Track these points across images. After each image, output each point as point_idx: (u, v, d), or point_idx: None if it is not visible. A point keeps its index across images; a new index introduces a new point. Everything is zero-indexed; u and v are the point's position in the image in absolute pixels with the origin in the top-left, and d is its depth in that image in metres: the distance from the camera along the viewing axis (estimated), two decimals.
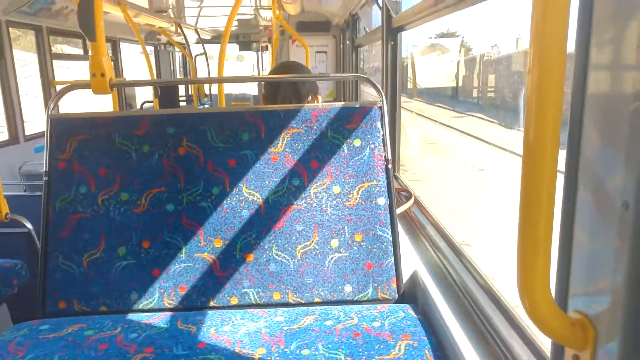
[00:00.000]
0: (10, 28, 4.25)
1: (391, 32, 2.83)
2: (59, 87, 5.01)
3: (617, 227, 0.65)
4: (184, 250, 1.53)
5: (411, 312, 1.40)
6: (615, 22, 0.68)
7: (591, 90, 0.73)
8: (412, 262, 1.66)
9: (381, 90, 1.62)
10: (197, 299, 1.52)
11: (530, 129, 0.68)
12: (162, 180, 1.56)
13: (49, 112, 1.59)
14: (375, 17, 3.94)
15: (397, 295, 1.52)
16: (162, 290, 1.52)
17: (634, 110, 0.62)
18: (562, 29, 0.65)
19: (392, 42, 2.83)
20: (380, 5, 3.00)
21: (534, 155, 0.69)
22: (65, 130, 1.58)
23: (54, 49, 4.97)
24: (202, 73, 9.97)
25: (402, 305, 1.46)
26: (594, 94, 0.72)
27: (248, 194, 1.55)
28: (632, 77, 0.63)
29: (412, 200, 2.18)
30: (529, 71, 0.68)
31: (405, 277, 1.57)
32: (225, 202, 1.55)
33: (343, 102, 1.61)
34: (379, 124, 1.58)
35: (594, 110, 0.72)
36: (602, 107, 0.71)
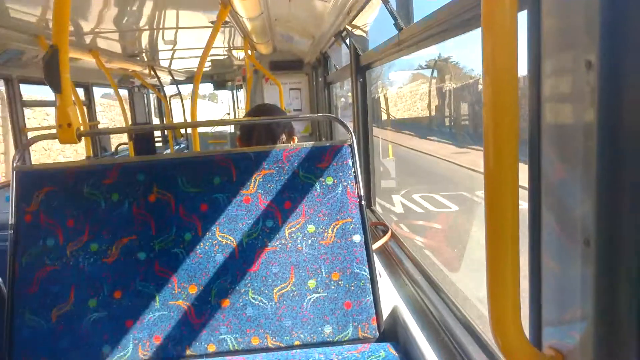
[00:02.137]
0: None
1: (359, 69, 2.90)
2: (30, 135, 4.94)
3: (581, 264, 0.66)
4: (157, 299, 1.49)
5: (392, 350, 1.38)
6: (563, 57, 0.70)
7: (546, 123, 0.75)
8: (391, 298, 1.64)
9: (350, 130, 1.63)
10: (173, 349, 1.47)
11: (490, 164, 0.69)
12: (132, 229, 1.53)
13: (14, 164, 1.56)
14: (345, 54, 4.04)
15: (377, 334, 1.50)
16: (137, 342, 1.47)
17: (585, 146, 0.64)
18: (511, 64, 0.67)
19: (362, 80, 2.90)
20: (348, 44, 3.08)
21: (495, 192, 0.70)
22: (32, 182, 1.55)
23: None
24: (177, 113, 9.97)
25: (383, 344, 1.43)
26: (549, 127, 0.74)
27: (221, 238, 1.53)
28: (582, 113, 0.65)
29: (388, 234, 2.18)
30: (484, 105, 0.70)
31: (385, 314, 1.56)
32: (198, 247, 1.53)
33: (313, 142, 1.62)
34: (350, 162, 1.59)
35: (550, 143, 0.74)
36: (557, 141, 0.72)
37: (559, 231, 0.73)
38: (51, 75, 1.34)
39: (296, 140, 1.99)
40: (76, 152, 13.52)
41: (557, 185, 0.73)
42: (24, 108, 4.83)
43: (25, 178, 1.55)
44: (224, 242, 1.53)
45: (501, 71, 0.68)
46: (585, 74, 0.64)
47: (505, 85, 0.68)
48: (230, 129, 10.40)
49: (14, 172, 1.55)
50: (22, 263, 1.50)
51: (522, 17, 0.77)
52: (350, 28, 3.03)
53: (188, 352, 1.47)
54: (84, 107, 5.93)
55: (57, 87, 1.35)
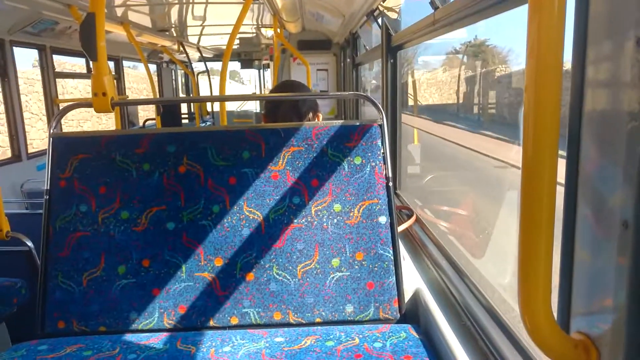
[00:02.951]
0: (14, 47, 4.30)
1: (391, 50, 2.85)
2: (62, 106, 5.05)
3: (618, 246, 0.64)
4: (184, 269, 1.52)
5: (413, 332, 1.39)
6: (610, 41, 0.68)
7: (588, 108, 0.73)
8: (413, 281, 1.64)
9: (381, 109, 1.62)
10: (197, 319, 1.51)
11: (529, 148, 0.68)
12: (162, 199, 1.55)
13: (51, 131, 1.60)
14: (375, 35, 3.98)
15: (398, 315, 1.50)
16: (162, 310, 1.50)
17: (630, 129, 0.62)
18: (557, 46, 0.65)
19: (392, 60, 2.86)
20: (380, 24, 3.04)
21: (533, 174, 0.68)
22: (67, 149, 1.58)
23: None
24: (204, 90, 10.03)
25: (403, 325, 1.44)
26: (591, 111, 0.72)
27: (248, 212, 1.55)
28: (628, 95, 0.63)
29: (413, 218, 2.17)
30: (526, 88, 0.68)
31: (407, 296, 1.56)
32: (225, 220, 1.54)
33: (343, 120, 1.61)
34: (379, 142, 1.58)
35: (591, 128, 0.73)
36: (599, 125, 0.71)
37: (595, 217, 0.71)
38: (88, 42, 1.36)
39: (321, 118, 1.98)
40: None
41: (596, 171, 0.72)
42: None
43: (61, 145, 1.59)
44: (251, 217, 1.54)
45: (546, 53, 0.66)
46: (634, 53, 0.61)
47: (550, 68, 0.66)
48: (255, 108, 10.44)
49: (51, 138, 1.58)
50: (56, 227, 1.54)
51: None
52: (382, 8, 2.98)
53: (211, 323, 1.50)
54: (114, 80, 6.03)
55: (93, 55, 1.37)
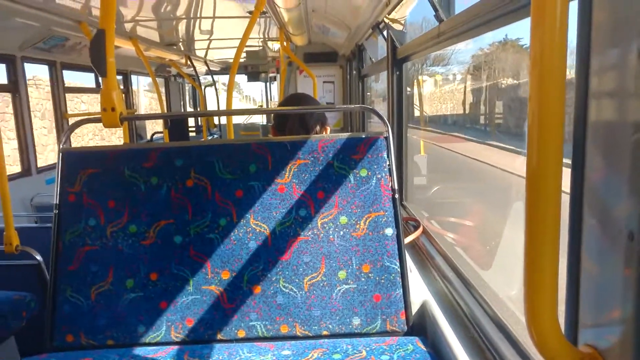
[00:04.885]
0: (25, 63, 4.37)
1: (396, 62, 2.87)
2: (71, 120, 5.12)
3: (624, 258, 0.64)
4: (191, 282, 1.53)
5: (420, 345, 1.38)
6: (613, 52, 0.68)
7: (592, 119, 0.73)
8: (421, 293, 1.63)
9: (386, 121, 1.62)
10: (204, 332, 1.51)
11: (533, 158, 0.68)
12: (170, 212, 1.56)
13: (61, 146, 1.62)
14: (381, 47, 4.01)
15: (406, 328, 1.49)
16: (170, 323, 1.51)
17: (635, 140, 0.62)
18: (560, 56, 0.65)
19: (398, 73, 2.87)
20: (386, 36, 3.06)
21: (538, 184, 0.68)
22: (76, 163, 1.60)
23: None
24: (211, 103, 10.08)
25: (411, 337, 1.43)
26: (596, 122, 0.72)
27: (255, 225, 1.55)
28: (632, 106, 0.63)
29: (420, 230, 2.16)
30: (530, 98, 0.69)
31: (414, 308, 1.55)
32: (232, 233, 1.55)
33: (349, 133, 1.62)
34: (385, 154, 1.58)
35: (596, 139, 0.72)
36: (604, 136, 0.71)
37: (601, 228, 0.71)
38: (97, 58, 1.38)
39: (329, 130, 1.99)
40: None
41: (601, 182, 0.71)
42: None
43: (71, 159, 1.60)
44: (257, 230, 1.55)
45: (550, 65, 0.66)
46: (637, 64, 0.62)
47: (554, 78, 0.66)
48: (262, 120, 10.49)
49: (60, 153, 1.60)
50: (65, 241, 1.55)
51: (572, 8, 0.75)
52: (387, 20, 3.00)
53: (219, 336, 1.50)
54: (122, 95, 6.08)
55: (102, 71, 1.39)
